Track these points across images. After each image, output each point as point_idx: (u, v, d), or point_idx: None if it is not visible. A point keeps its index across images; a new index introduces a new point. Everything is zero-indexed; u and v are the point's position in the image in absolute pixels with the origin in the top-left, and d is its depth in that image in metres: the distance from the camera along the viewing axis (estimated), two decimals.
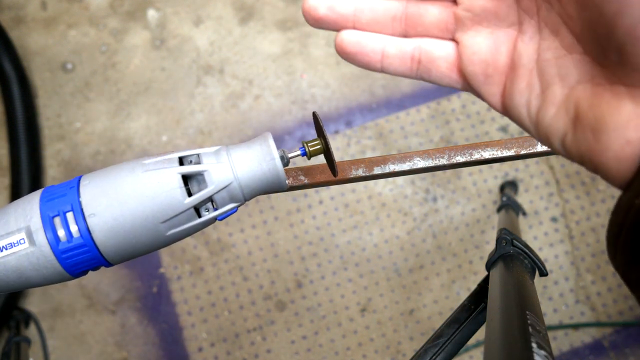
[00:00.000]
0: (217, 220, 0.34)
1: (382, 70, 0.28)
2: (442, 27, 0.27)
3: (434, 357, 0.42)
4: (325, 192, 1.26)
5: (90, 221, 0.32)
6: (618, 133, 0.21)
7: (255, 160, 0.34)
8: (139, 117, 1.30)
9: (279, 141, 1.29)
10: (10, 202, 1.16)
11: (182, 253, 1.24)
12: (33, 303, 1.22)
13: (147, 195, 0.32)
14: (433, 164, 0.39)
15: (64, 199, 0.32)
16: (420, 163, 0.39)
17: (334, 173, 0.37)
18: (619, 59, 0.20)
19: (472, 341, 1.23)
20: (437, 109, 1.31)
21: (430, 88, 1.33)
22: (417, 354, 0.42)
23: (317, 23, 0.28)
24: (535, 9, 0.24)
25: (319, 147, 0.36)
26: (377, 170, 0.39)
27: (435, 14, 0.27)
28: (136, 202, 0.32)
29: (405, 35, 0.28)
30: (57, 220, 0.32)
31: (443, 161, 0.39)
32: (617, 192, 1.27)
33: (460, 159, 0.40)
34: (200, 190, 0.33)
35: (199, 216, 0.34)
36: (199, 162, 0.34)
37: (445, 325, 0.44)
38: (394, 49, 0.28)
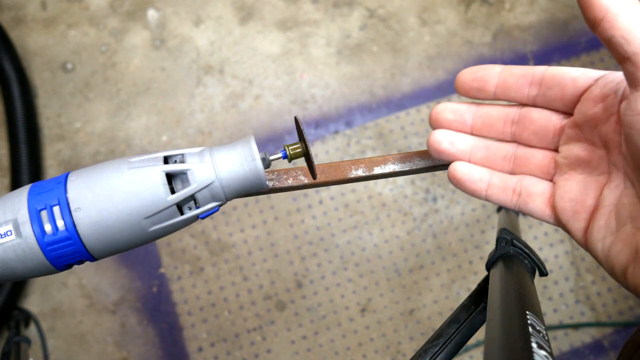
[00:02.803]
0: (199, 219, 0.36)
1: (485, 198, 0.34)
2: (544, 169, 0.33)
3: (434, 357, 0.42)
4: (325, 192, 1.26)
5: (76, 215, 0.33)
6: None
7: (237, 161, 0.35)
8: (139, 117, 1.30)
9: (279, 141, 1.29)
10: None
11: (182, 253, 1.24)
12: (33, 303, 1.22)
13: (132, 192, 0.33)
14: (433, 164, 0.39)
15: (52, 193, 0.34)
16: (420, 163, 0.39)
17: (314, 175, 0.38)
18: None
19: (472, 341, 1.23)
20: None
21: (430, 88, 1.33)
22: (417, 354, 0.42)
23: (439, 154, 0.34)
24: (623, 163, 0.29)
25: (299, 150, 0.38)
26: (377, 170, 0.39)
27: (539, 158, 0.33)
28: (121, 197, 0.33)
29: (511, 173, 0.34)
30: (44, 214, 0.33)
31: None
32: None
33: None
34: (183, 188, 0.35)
35: (182, 214, 0.35)
36: (183, 162, 0.35)
37: (445, 325, 0.44)
38: (499, 182, 0.33)
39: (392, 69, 1.34)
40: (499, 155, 0.34)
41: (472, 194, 0.33)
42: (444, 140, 0.34)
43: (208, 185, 0.34)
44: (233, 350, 1.20)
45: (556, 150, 0.33)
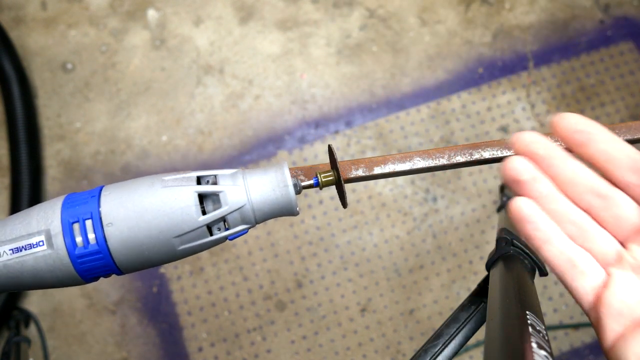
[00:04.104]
0: (227, 240, 0.36)
1: (536, 249, 0.31)
2: (606, 256, 0.31)
3: (434, 357, 0.42)
4: (325, 192, 1.26)
5: (107, 230, 0.34)
6: None
7: (269, 186, 0.36)
8: (139, 117, 1.30)
9: (279, 141, 1.29)
10: (11, 203, 1.14)
11: None
12: (33, 303, 1.22)
13: (164, 210, 0.34)
14: (433, 164, 0.39)
15: (85, 206, 0.34)
16: (420, 163, 0.39)
17: (344, 204, 0.38)
18: None
19: (472, 341, 1.23)
20: (437, 109, 1.31)
21: (430, 88, 1.33)
22: (417, 354, 0.42)
23: (514, 183, 0.32)
24: None
25: (331, 178, 0.38)
26: (377, 170, 0.39)
27: (606, 242, 0.31)
28: (152, 215, 0.34)
29: (570, 237, 0.31)
30: (76, 227, 0.34)
31: (443, 161, 0.39)
32: None
33: (460, 159, 0.40)
34: (214, 209, 0.35)
35: (211, 234, 0.35)
36: (215, 183, 0.36)
37: (445, 325, 0.44)
38: (558, 242, 0.31)
39: (392, 69, 1.34)
40: (569, 216, 0.31)
41: (526, 238, 0.31)
42: (527, 172, 0.31)
43: (239, 208, 0.35)
44: (233, 350, 1.20)
45: (624, 242, 0.31)
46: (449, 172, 1.29)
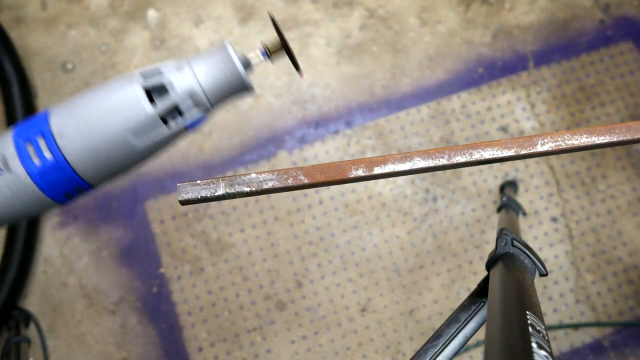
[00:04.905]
0: (187, 130, 0.36)
1: None
2: None
3: (434, 357, 0.42)
4: (325, 192, 1.26)
5: (61, 142, 0.33)
6: None
7: (216, 65, 0.36)
8: None
9: (279, 141, 1.29)
10: None
11: (182, 253, 1.24)
12: (33, 303, 1.22)
13: (111, 109, 0.34)
14: (433, 164, 0.39)
15: (34, 126, 0.34)
16: (420, 163, 0.39)
17: (297, 67, 0.38)
18: None
19: (472, 341, 1.23)
20: (437, 109, 1.31)
21: (430, 88, 1.33)
22: (417, 354, 0.42)
23: None
24: None
25: (278, 46, 0.38)
26: (377, 170, 0.39)
27: None
28: (101, 117, 0.34)
29: None
30: (31, 148, 0.34)
31: (443, 161, 0.39)
32: (617, 192, 1.27)
33: (460, 159, 0.40)
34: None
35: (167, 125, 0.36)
36: (160, 73, 0.36)
37: (445, 325, 0.44)
38: None
39: (392, 69, 1.34)
40: None
41: None
42: None
43: (189, 93, 0.35)
44: (233, 350, 1.20)
45: None
46: (449, 172, 1.29)
